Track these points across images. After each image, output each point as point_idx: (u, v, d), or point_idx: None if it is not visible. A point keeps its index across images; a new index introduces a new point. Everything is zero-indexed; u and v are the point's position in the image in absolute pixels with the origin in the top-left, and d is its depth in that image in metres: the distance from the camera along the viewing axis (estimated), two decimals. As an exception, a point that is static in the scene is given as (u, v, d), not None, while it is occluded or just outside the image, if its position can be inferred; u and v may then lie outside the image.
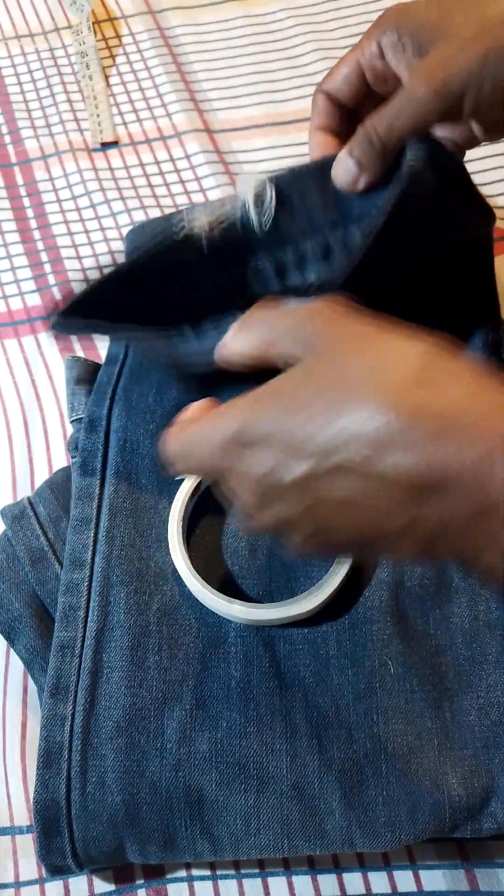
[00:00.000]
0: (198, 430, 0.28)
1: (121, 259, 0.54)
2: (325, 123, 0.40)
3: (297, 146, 0.58)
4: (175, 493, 0.39)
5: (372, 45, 0.37)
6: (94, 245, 0.54)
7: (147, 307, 0.40)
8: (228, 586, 0.38)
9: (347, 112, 0.40)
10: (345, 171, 0.37)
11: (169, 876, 0.36)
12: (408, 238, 0.36)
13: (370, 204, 0.37)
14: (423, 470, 0.23)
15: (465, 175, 0.39)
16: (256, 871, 0.36)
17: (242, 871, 0.36)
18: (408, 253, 0.37)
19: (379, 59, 0.37)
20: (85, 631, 0.37)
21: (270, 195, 0.37)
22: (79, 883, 0.36)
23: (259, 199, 0.38)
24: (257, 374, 0.36)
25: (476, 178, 0.56)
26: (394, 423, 0.23)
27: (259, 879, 0.36)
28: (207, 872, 0.36)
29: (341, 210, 0.38)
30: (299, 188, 0.38)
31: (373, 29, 0.38)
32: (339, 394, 0.24)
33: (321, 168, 0.37)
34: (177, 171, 0.58)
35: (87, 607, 0.37)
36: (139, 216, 0.55)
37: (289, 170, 0.38)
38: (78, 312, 0.38)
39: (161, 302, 0.40)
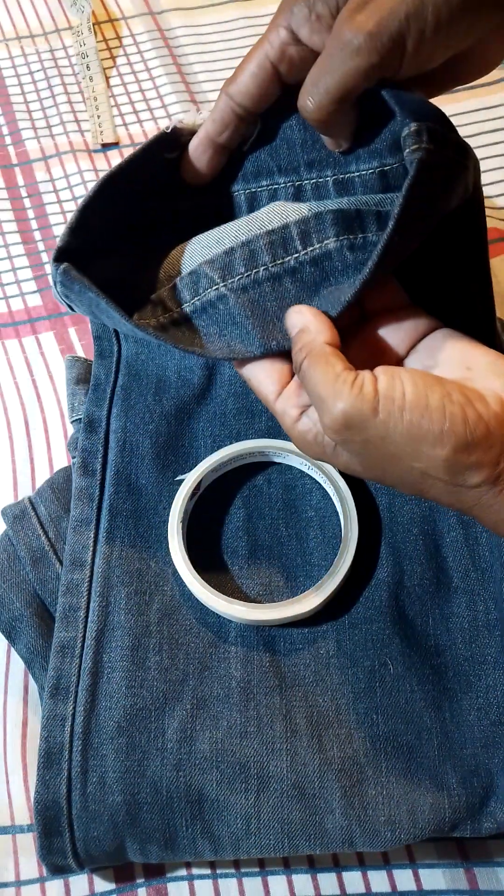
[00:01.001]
0: (318, 382, 0.30)
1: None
2: (217, 134, 0.36)
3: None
4: (175, 494, 0.39)
5: (280, 31, 0.32)
6: (95, 246, 0.54)
7: (131, 217, 0.38)
8: (228, 586, 0.38)
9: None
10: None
11: (169, 875, 0.36)
12: (419, 221, 0.32)
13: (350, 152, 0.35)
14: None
15: (446, 120, 0.33)
16: (256, 869, 0.36)
17: (242, 870, 0.36)
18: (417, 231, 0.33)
19: (293, 44, 0.32)
20: (85, 631, 0.37)
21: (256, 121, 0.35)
22: (79, 882, 0.36)
23: None
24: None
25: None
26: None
27: (259, 878, 0.36)
28: (208, 871, 0.36)
29: (319, 149, 0.36)
30: (283, 117, 0.35)
31: (276, 16, 0.32)
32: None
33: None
34: (177, 171, 0.58)
35: (88, 608, 0.37)
36: (139, 217, 0.55)
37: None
38: (75, 240, 0.35)
39: (142, 212, 0.39)
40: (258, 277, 0.35)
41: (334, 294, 0.34)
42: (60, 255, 0.35)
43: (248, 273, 0.35)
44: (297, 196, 0.37)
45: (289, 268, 0.34)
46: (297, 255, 0.34)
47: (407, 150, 0.30)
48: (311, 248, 0.34)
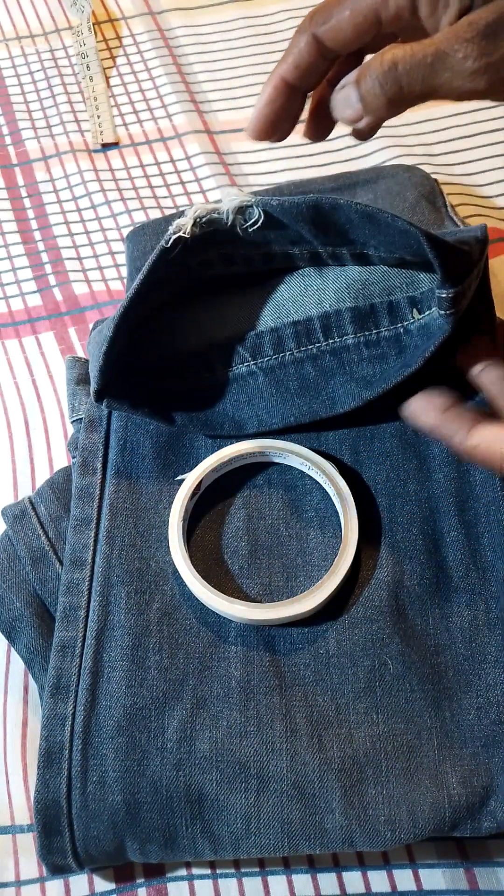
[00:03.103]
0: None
1: (120, 259, 0.54)
2: (296, 79, 0.32)
3: (298, 147, 0.58)
4: (175, 493, 0.39)
5: None
6: (95, 245, 0.54)
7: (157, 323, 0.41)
8: (228, 586, 0.38)
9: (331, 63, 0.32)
10: (346, 104, 0.30)
11: (169, 875, 0.36)
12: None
13: (366, 236, 0.35)
14: None
15: (470, 260, 0.34)
16: (256, 869, 0.36)
17: (242, 870, 0.36)
18: None
19: (409, 12, 0.29)
20: (85, 631, 0.37)
21: (258, 214, 0.35)
22: (79, 882, 0.36)
23: (242, 215, 0.35)
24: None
25: (475, 179, 0.57)
26: None
27: (259, 878, 0.36)
28: (208, 871, 0.36)
29: (334, 237, 0.36)
30: (288, 218, 0.35)
31: None
32: None
33: (314, 207, 0.33)
34: (177, 171, 0.58)
35: (88, 607, 0.37)
36: (139, 217, 0.55)
37: (277, 201, 0.34)
38: (110, 362, 0.37)
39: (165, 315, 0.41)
40: (284, 360, 0.40)
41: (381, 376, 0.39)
42: (98, 396, 0.39)
43: (276, 356, 0.40)
44: (315, 259, 0.39)
45: (311, 354, 0.40)
46: (318, 344, 0.40)
47: (441, 313, 0.34)
48: (332, 341, 0.39)
